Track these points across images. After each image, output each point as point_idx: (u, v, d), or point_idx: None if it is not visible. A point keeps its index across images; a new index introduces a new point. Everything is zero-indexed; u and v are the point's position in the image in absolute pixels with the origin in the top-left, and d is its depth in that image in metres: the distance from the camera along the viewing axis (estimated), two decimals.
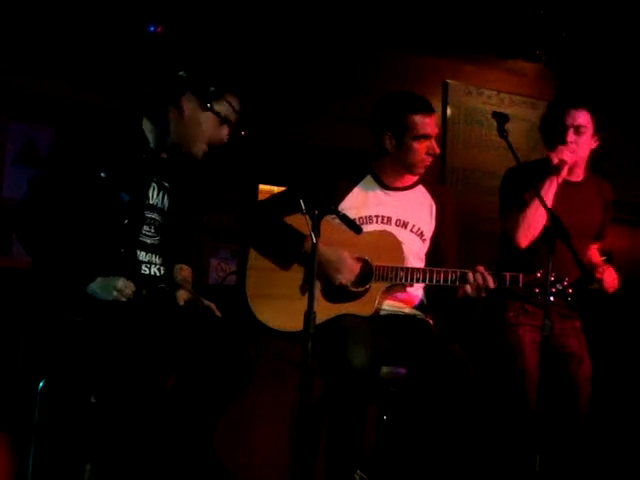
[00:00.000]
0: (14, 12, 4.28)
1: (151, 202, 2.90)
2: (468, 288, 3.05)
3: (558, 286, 2.99)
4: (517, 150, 3.13)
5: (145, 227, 2.88)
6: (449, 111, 5.56)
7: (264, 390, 4.14)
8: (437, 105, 5.52)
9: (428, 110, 3.24)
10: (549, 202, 3.34)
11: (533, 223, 3.41)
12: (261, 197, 4.82)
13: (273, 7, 4.94)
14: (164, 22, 3.99)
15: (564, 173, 3.48)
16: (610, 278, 3.52)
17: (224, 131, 2.89)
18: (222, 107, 2.86)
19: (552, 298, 2.95)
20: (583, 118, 3.53)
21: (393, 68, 5.35)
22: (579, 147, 3.53)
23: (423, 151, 3.24)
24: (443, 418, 2.94)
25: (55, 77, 4.39)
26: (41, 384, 2.67)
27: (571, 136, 3.50)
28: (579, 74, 5.63)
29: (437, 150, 3.26)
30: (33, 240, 2.73)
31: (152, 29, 3.33)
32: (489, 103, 5.62)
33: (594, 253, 3.79)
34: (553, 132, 3.57)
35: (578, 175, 3.64)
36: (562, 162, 3.45)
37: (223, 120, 2.87)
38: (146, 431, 2.63)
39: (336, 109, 5.12)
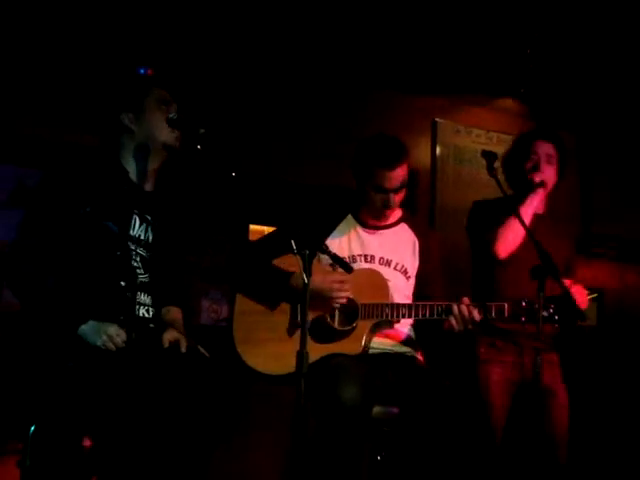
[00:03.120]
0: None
1: (133, 233, 2.91)
2: (453, 321, 3.06)
3: (544, 313, 3.01)
4: (506, 188, 3.15)
5: (133, 262, 2.88)
6: (438, 150, 5.59)
7: (259, 436, 4.10)
8: (426, 144, 5.57)
9: (391, 165, 3.19)
10: (528, 219, 3.41)
11: (514, 235, 3.45)
12: (252, 237, 4.81)
13: (261, 46, 4.99)
14: (154, 62, 4.00)
15: (544, 193, 3.58)
16: (579, 293, 3.46)
17: (171, 109, 2.98)
18: (152, 96, 2.98)
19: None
20: (552, 149, 3.64)
21: (383, 107, 5.39)
22: (549, 177, 3.61)
23: (378, 202, 3.25)
24: (437, 454, 2.91)
25: (42, 118, 4.41)
26: (32, 429, 2.63)
27: (544, 164, 3.60)
28: (562, 112, 5.69)
29: (392, 205, 3.25)
30: (23, 285, 2.75)
31: (142, 72, 3.34)
32: (478, 142, 5.66)
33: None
34: (522, 163, 3.63)
35: (539, 208, 3.66)
36: (544, 182, 3.55)
37: (161, 102, 2.98)
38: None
39: (326, 148, 5.14)
